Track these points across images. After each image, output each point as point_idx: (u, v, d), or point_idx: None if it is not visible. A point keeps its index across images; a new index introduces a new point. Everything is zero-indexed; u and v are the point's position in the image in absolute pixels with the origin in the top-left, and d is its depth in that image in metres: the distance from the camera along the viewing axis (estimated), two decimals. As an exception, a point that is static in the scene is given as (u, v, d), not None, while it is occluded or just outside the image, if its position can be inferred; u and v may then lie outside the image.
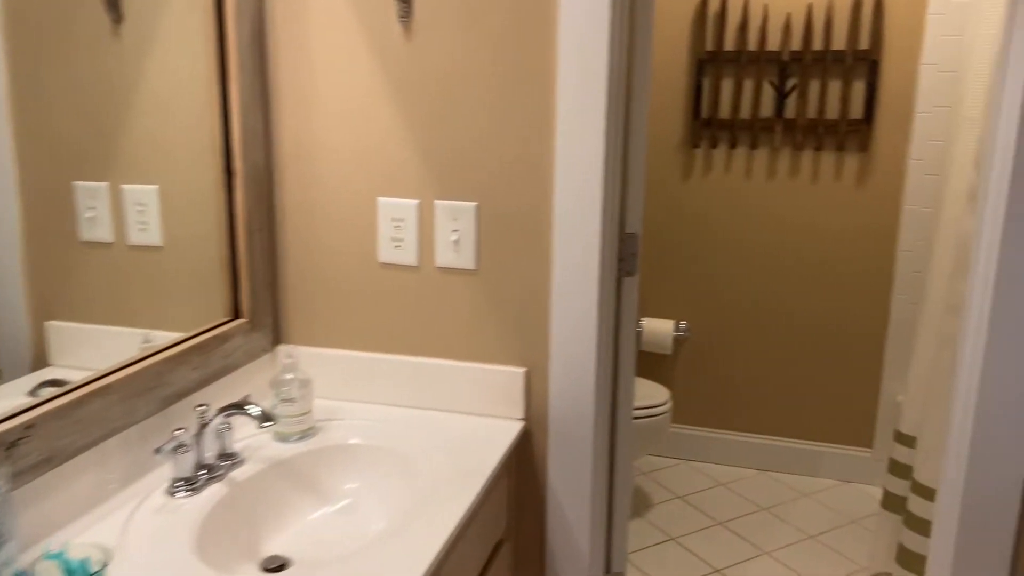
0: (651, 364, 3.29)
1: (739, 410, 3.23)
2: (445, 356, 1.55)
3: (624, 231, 1.58)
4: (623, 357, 1.64)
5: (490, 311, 1.51)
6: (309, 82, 1.51)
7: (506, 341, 1.52)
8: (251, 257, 1.52)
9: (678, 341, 3.23)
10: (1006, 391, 1.37)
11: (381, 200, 1.52)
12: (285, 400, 1.42)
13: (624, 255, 1.59)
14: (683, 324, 3.19)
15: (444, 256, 1.51)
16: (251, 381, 1.54)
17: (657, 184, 3.14)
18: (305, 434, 1.45)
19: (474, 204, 1.48)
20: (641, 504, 2.90)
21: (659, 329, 3.15)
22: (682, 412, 3.29)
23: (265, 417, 1.26)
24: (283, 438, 1.44)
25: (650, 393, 2.75)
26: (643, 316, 3.25)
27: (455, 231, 1.49)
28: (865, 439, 3.12)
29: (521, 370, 1.51)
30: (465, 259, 1.50)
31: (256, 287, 1.54)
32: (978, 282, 1.40)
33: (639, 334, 3.21)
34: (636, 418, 2.63)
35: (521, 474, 1.57)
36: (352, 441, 1.44)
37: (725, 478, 3.13)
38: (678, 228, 3.15)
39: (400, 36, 1.45)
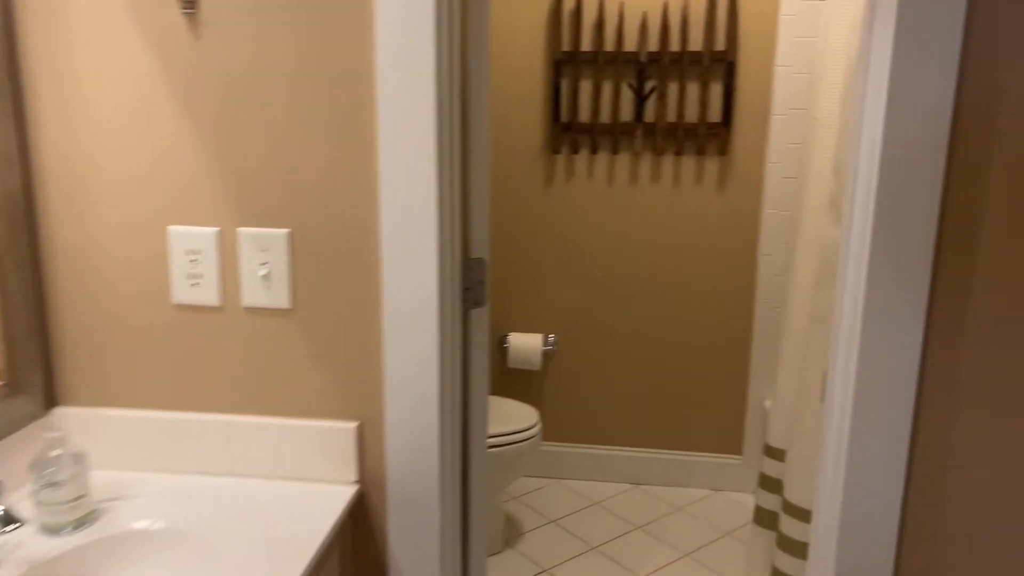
0: (520, 382, 3.12)
1: (610, 423, 3.12)
2: (260, 412, 1.31)
3: (469, 256, 1.39)
4: (474, 399, 1.44)
5: (311, 356, 1.28)
6: (75, 89, 1.23)
7: (332, 391, 1.29)
8: (4, 303, 1.22)
9: (547, 356, 3.08)
10: (879, 419, 1.27)
11: (173, 229, 1.26)
12: (49, 485, 1.14)
13: (471, 283, 1.40)
14: (552, 338, 3.05)
15: (252, 294, 1.27)
16: (12, 459, 1.24)
17: (518, 191, 2.98)
18: (82, 522, 1.17)
19: (285, 231, 1.24)
20: (511, 533, 2.73)
21: (527, 345, 2.99)
22: (553, 429, 3.15)
23: (7, 519, 0.98)
24: (53, 530, 1.15)
25: (518, 416, 2.58)
26: (511, 331, 3.08)
27: (264, 264, 1.25)
28: (735, 446, 3.08)
29: (352, 424, 1.28)
30: (278, 296, 1.26)
31: (16, 340, 1.25)
32: (847, 301, 1.29)
33: (506, 351, 3.04)
34: (504, 444, 2.45)
35: (357, 546, 1.34)
36: (140, 525, 1.18)
37: (599, 495, 3.00)
38: (542, 237, 3.00)
39: (185, 31, 1.20)
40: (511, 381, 3.12)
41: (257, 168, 1.23)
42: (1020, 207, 1.14)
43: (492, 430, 2.43)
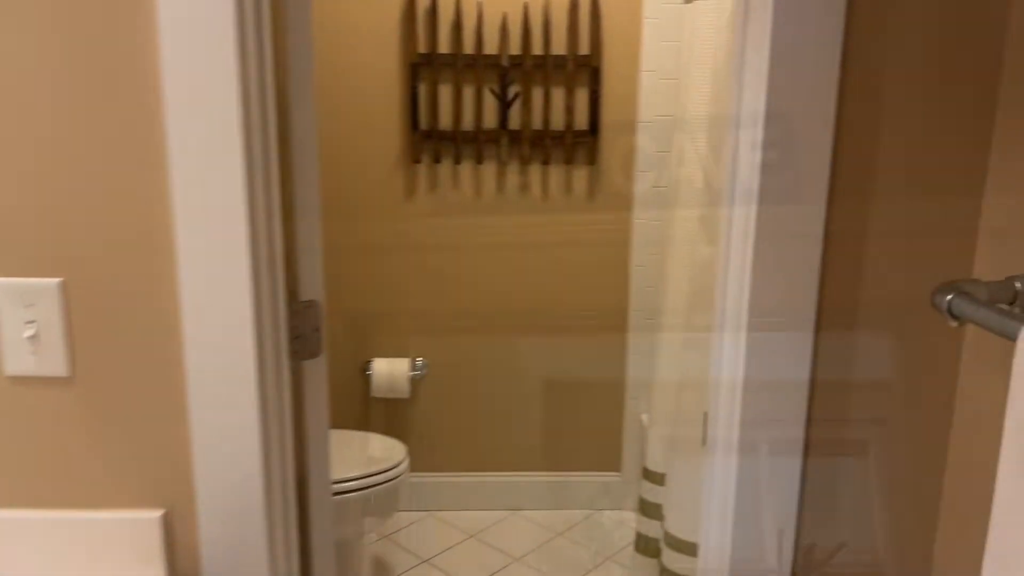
0: (386, 413, 2.90)
1: (485, 448, 2.95)
2: (38, 504, 1.05)
3: (298, 300, 1.17)
4: (313, 463, 1.23)
5: (99, 433, 1.03)
6: None
7: (129, 474, 1.05)
8: None
9: (415, 382, 2.87)
10: (768, 467, 1.16)
11: (-97, 281, 0.98)
12: None
13: (302, 331, 1.18)
14: (420, 361, 2.85)
15: (17, 360, 1.01)
16: None
17: (376, 206, 2.76)
18: None
19: (56, 281, 0.99)
20: (382, 578, 2.52)
21: (393, 371, 2.78)
22: (424, 459, 2.95)
23: None
24: None
25: (382, 454, 2.36)
26: (375, 356, 2.86)
27: (30, 322, 1.00)
28: (613, 463, 2.98)
29: (156, 513, 1.05)
30: (51, 362, 1.01)
31: None
32: (728, 334, 1.17)
33: (369, 378, 2.82)
34: (366, 487, 2.23)
35: (169, 657, 1.10)
36: None
37: (475, 527, 2.83)
38: (404, 254, 2.80)
39: (-96, 27, 0.93)
40: (376, 412, 2.90)
41: (14, 204, 0.97)
42: (906, 210, 1.06)
43: (353, 472, 2.20)
